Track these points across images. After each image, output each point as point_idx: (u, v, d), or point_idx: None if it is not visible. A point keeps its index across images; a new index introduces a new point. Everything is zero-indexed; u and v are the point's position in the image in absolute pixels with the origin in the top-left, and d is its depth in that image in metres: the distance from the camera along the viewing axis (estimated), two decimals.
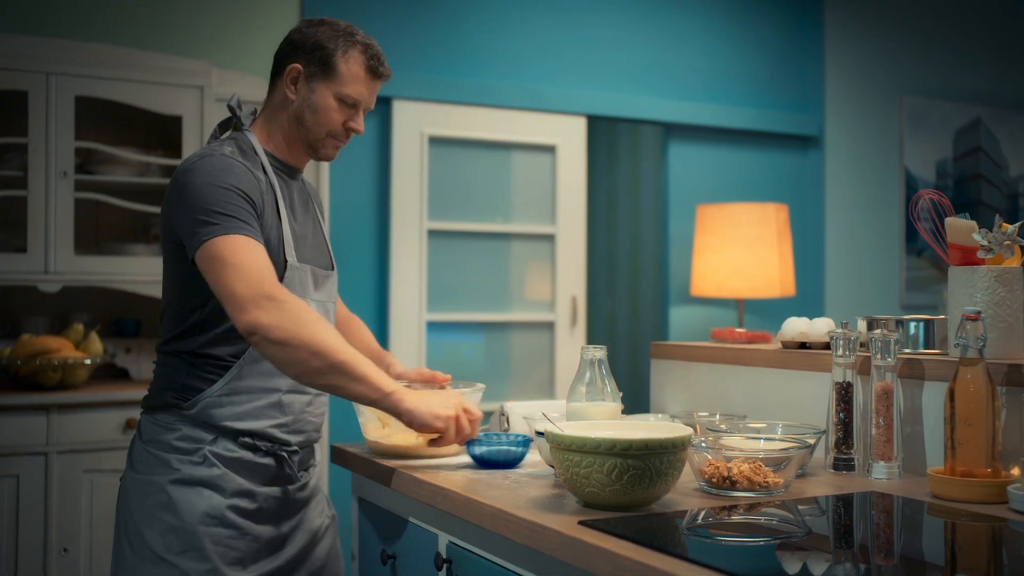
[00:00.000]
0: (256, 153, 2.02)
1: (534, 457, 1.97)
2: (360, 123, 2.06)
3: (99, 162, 3.62)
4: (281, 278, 1.96)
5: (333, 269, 2.17)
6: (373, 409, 1.97)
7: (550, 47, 4.66)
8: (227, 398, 1.94)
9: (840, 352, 1.84)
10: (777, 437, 1.75)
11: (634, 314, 5.69)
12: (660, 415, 2.22)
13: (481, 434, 1.88)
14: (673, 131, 4.98)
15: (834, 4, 5.31)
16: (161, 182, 3.64)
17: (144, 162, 3.67)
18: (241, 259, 1.80)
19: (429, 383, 2.13)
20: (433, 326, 4.41)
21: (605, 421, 1.60)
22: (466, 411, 1.83)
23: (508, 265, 4.62)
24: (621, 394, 1.75)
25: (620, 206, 6.04)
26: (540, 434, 1.73)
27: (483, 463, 1.82)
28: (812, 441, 1.73)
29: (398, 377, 2.15)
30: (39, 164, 3.42)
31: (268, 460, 1.99)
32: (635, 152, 6.56)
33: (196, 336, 1.95)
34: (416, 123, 4.36)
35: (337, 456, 2.14)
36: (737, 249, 4.54)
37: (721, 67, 5.05)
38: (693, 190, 4.99)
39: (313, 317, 1.79)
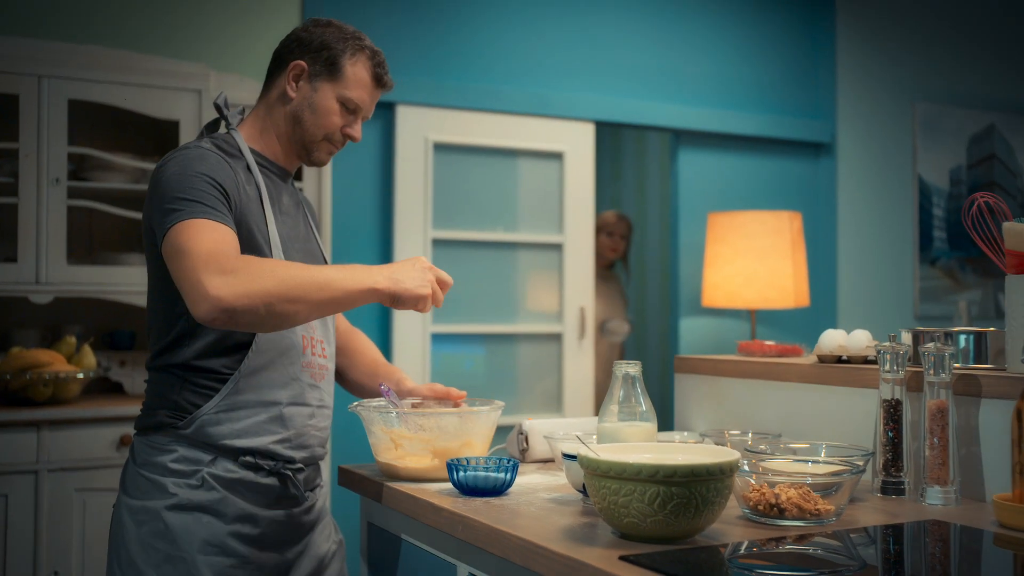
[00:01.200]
0: (241, 153, 1.91)
1: (546, 480, 1.83)
2: (358, 131, 1.97)
3: (93, 168, 3.49)
4: None
5: None
6: (385, 429, 1.84)
7: (557, 51, 4.54)
8: (225, 414, 1.81)
9: (888, 367, 1.71)
10: (824, 459, 1.62)
11: (643, 326, 5.57)
12: (686, 433, 2.09)
13: (465, 459, 1.74)
14: (683, 138, 4.85)
15: (846, 9, 5.20)
16: None
17: (139, 168, 3.53)
18: (196, 245, 1.67)
19: (443, 400, 2.00)
20: (437, 338, 4.28)
21: (642, 443, 1.47)
22: (438, 279, 1.82)
23: (514, 275, 4.49)
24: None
25: (629, 214, 5.92)
26: (570, 457, 1.59)
27: (466, 490, 1.68)
28: (861, 463, 1.59)
29: (409, 393, 2.02)
30: (30, 170, 3.29)
31: (271, 480, 1.86)
32: (644, 159, 6.45)
33: (186, 347, 1.82)
34: (420, 129, 4.23)
35: (345, 478, 2.01)
36: (750, 259, 4.42)
37: (731, 73, 4.93)
38: (703, 197, 4.86)
39: (269, 265, 1.69)
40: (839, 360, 1.97)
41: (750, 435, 2.00)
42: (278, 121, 1.94)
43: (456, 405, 1.98)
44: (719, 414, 2.22)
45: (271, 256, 1.85)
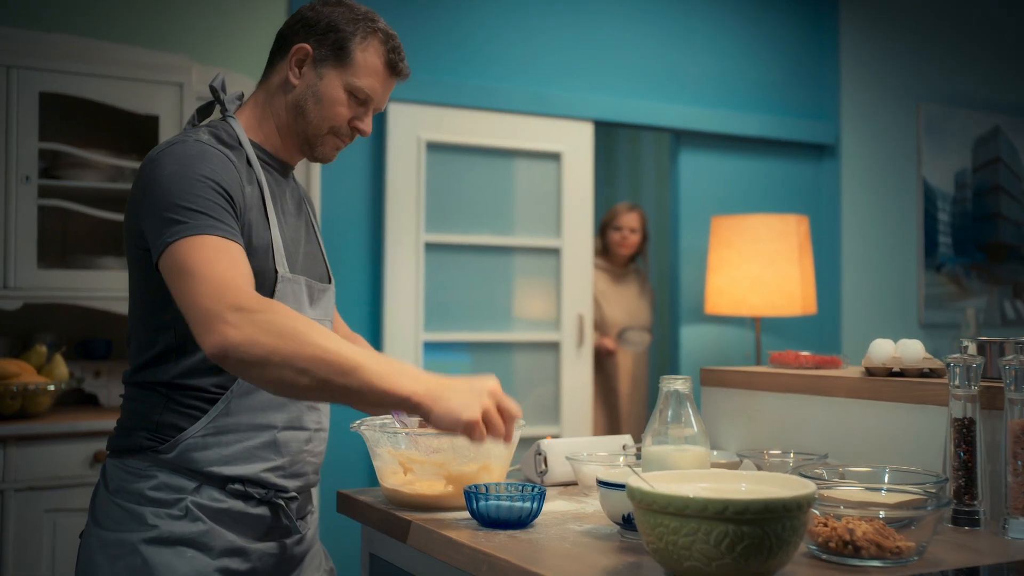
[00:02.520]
0: (240, 144, 1.70)
1: (572, 507, 1.64)
2: (368, 124, 1.76)
3: (66, 166, 3.26)
4: (271, 292, 1.64)
5: (330, 282, 1.85)
6: (393, 452, 1.64)
7: (555, 48, 4.35)
8: (212, 438, 1.61)
9: (958, 382, 1.52)
10: (894, 487, 1.42)
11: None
12: (715, 453, 1.89)
13: (484, 487, 1.54)
14: (683, 138, 4.67)
15: (850, 9, 5.04)
16: None
17: (116, 166, 3.32)
18: (208, 268, 1.47)
19: None
20: (430, 347, 4.08)
21: (696, 471, 1.27)
22: (500, 407, 1.47)
23: (510, 281, 4.30)
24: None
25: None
26: (609, 485, 1.39)
27: (487, 522, 1.48)
28: (935, 490, 1.40)
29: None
30: None
31: (262, 510, 1.66)
32: (644, 160, 6.26)
33: (171, 363, 1.61)
34: (413, 127, 4.04)
35: (345, 505, 1.80)
36: (756, 264, 4.24)
37: (733, 72, 4.76)
38: (704, 200, 4.69)
39: (294, 321, 1.44)
40: (892, 373, 1.78)
41: (792, 456, 1.81)
42: (279, 111, 1.73)
43: None
44: (752, 431, 2.02)
45: (273, 265, 1.65)
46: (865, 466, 1.54)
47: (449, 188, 4.14)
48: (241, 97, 1.79)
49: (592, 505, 1.65)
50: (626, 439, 1.93)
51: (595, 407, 4.71)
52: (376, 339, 3.95)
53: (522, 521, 1.47)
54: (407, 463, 1.62)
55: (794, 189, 4.90)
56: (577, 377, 4.33)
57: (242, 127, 1.72)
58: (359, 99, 1.72)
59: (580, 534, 1.43)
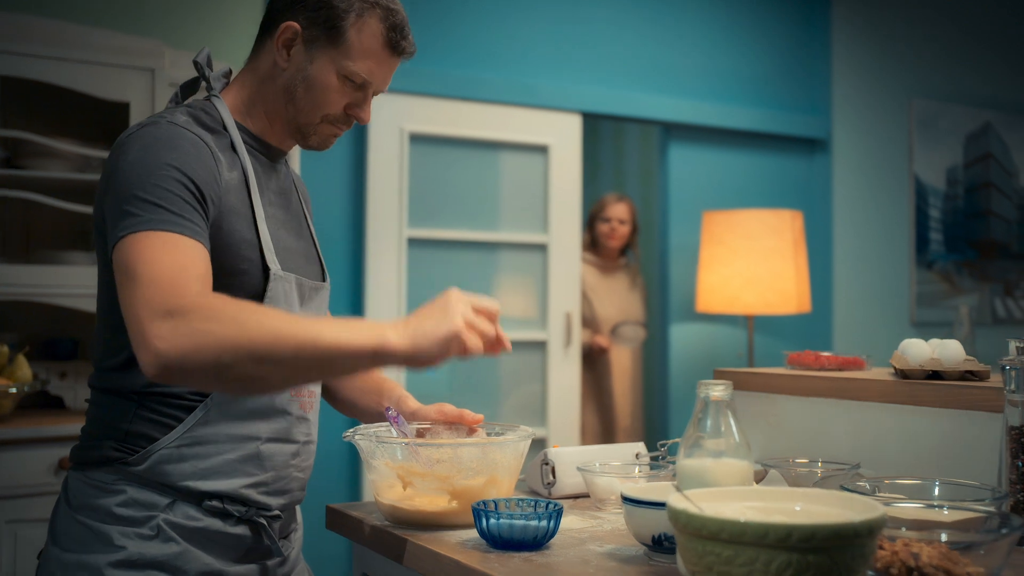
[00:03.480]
0: (224, 128, 1.53)
1: (587, 524, 1.49)
2: (367, 110, 1.58)
3: (30, 155, 3.08)
4: (261, 292, 1.47)
5: (325, 280, 1.69)
6: (390, 464, 1.48)
7: (543, 38, 4.21)
8: (189, 449, 1.45)
9: (1015, 387, 1.38)
10: (953, 504, 1.28)
11: None
12: None
13: (493, 503, 1.38)
14: (673, 132, 4.54)
15: (842, 3, 4.93)
16: None
17: (83, 156, 3.13)
18: (149, 268, 1.29)
19: (454, 426, 1.63)
20: None
21: (740, 488, 1.12)
22: (476, 309, 1.33)
23: (496, 278, 4.14)
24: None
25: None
26: (633, 502, 1.24)
27: (499, 543, 1.32)
28: (993, 508, 1.26)
29: (412, 416, 1.66)
30: None
31: (242, 529, 1.50)
32: (628, 154, 6.12)
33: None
34: (396, 118, 3.87)
35: (335, 521, 1.64)
36: (749, 260, 4.11)
37: (724, 65, 4.63)
38: (694, 195, 4.55)
39: (234, 311, 1.26)
40: (931, 376, 1.64)
41: (820, 465, 1.66)
42: (267, 95, 1.56)
43: (471, 431, 1.62)
44: (773, 438, 1.88)
45: (262, 261, 1.48)
46: (911, 478, 1.39)
47: (433, 181, 3.99)
48: (228, 75, 1.62)
49: (609, 521, 1.51)
50: (639, 447, 1.79)
51: (586, 409, 4.56)
52: None
53: (537, 542, 1.31)
54: (406, 476, 1.46)
55: (785, 184, 4.79)
56: (564, 377, 4.19)
57: (227, 108, 1.56)
58: (355, 83, 1.54)
59: (603, 556, 1.28)
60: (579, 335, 4.23)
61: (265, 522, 1.52)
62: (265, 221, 1.52)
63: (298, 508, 1.67)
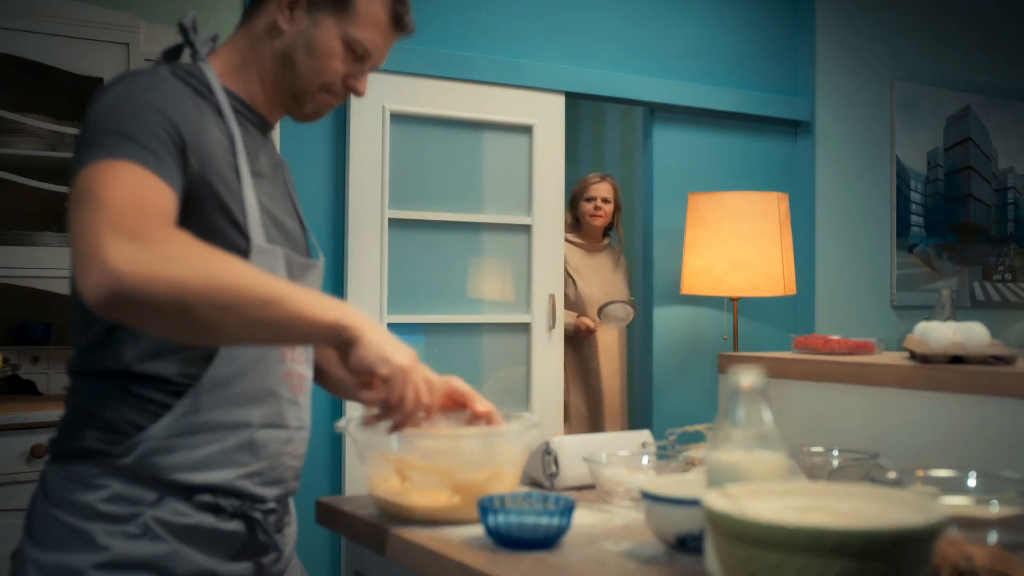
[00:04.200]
0: (211, 91, 1.44)
1: (597, 519, 1.42)
2: (364, 83, 1.53)
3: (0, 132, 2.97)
4: None
5: (318, 258, 1.60)
6: (388, 456, 1.40)
7: (526, 17, 4.12)
8: (179, 439, 1.36)
9: None
10: (997, 497, 1.21)
11: None
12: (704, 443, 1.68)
13: (499, 499, 1.31)
14: (658, 113, 4.46)
15: None
16: None
17: (56, 132, 3.02)
18: (109, 193, 1.20)
19: (453, 412, 1.54)
20: (395, 328, 3.83)
21: (780, 485, 1.05)
22: (427, 380, 1.34)
23: (479, 259, 4.06)
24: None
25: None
26: (655, 499, 1.17)
27: (507, 541, 1.24)
28: None
29: None
30: None
31: (235, 525, 1.42)
32: (609, 136, 6.05)
33: (126, 344, 1.35)
34: (377, 96, 3.77)
35: (326, 516, 1.57)
36: (736, 243, 4.05)
37: (708, 46, 4.56)
38: (678, 177, 4.49)
39: (202, 249, 1.20)
40: (954, 360, 1.58)
41: (837, 454, 1.60)
42: (263, 58, 1.48)
43: (473, 419, 1.53)
44: (781, 425, 1.81)
45: (247, 232, 1.40)
46: (944, 470, 1.33)
47: (415, 162, 3.90)
48: (215, 39, 1.53)
49: (620, 516, 1.44)
50: (644, 436, 1.72)
51: (574, 392, 4.50)
52: None
53: (549, 540, 1.24)
54: (403, 470, 1.38)
55: (769, 167, 4.73)
56: (548, 360, 4.12)
57: (215, 73, 1.47)
58: (356, 53, 1.49)
59: (620, 557, 1.21)
60: (562, 317, 4.16)
61: (259, 516, 1.44)
62: (252, 190, 1.43)
63: (291, 501, 1.59)
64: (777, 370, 1.83)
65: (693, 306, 4.50)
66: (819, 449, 1.64)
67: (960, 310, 5.24)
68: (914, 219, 5.15)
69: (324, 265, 1.58)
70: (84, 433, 1.38)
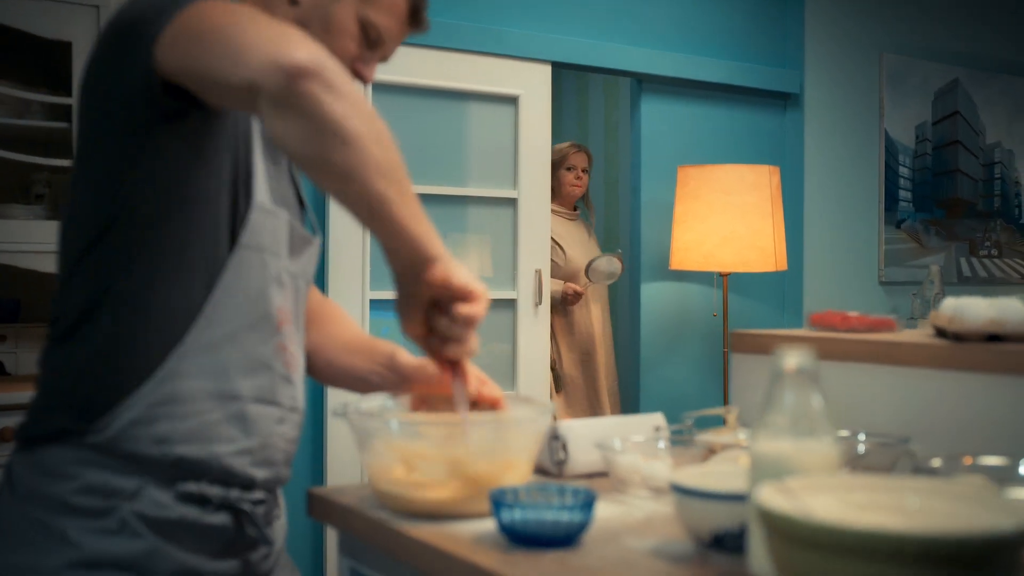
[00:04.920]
0: None
1: (616, 512, 1.31)
2: (372, 71, 1.43)
3: None
4: (239, 225, 1.30)
5: (316, 236, 1.49)
6: (392, 445, 1.28)
7: None
8: (161, 408, 1.25)
9: None
10: None
11: (612, 290, 5.04)
12: (745, 428, 1.58)
13: (512, 491, 1.20)
14: (645, 84, 4.35)
15: None
16: (46, 125, 2.85)
17: (23, 100, 2.88)
18: (254, 25, 1.15)
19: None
20: (377, 304, 3.71)
21: (833, 479, 0.95)
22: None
23: (463, 234, 3.94)
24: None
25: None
26: (689, 492, 1.07)
27: (523, 538, 1.14)
28: None
29: (416, 371, 1.47)
30: None
31: (221, 518, 1.31)
32: (592, 107, 5.93)
33: (124, 280, 1.25)
34: None
35: (319, 508, 1.45)
36: (727, 217, 3.95)
37: (697, 16, 4.45)
38: (666, 149, 4.39)
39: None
40: (991, 339, 1.48)
41: (864, 439, 1.50)
42: None
43: (478, 403, 1.42)
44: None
45: (251, 187, 1.30)
46: (993, 457, 1.23)
47: (397, 133, 3.73)
48: None
49: (638, 507, 1.34)
50: (657, 419, 1.61)
51: (567, 361, 4.41)
52: None
53: (569, 538, 1.14)
54: (410, 458, 1.26)
55: (757, 140, 4.64)
56: (534, 337, 4.01)
57: None
58: (370, 38, 1.39)
59: (648, 556, 1.11)
60: (549, 289, 4.06)
61: (248, 508, 1.33)
62: (262, 162, 1.32)
63: (280, 492, 1.47)
64: None
65: (681, 282, 4.40)
66: (844, 433, 1.54)
67: (947, 286, 5.19)
68: (902, 194, 5.07)
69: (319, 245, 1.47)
70: (56, 414, 1.26)
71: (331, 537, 3.46)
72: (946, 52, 5.25)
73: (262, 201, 1.31)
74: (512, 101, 3.99)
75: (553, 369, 4.33)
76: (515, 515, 1.12)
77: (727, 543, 1.05)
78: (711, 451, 1.46)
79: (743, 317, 4.46)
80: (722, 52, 4.52)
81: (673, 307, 4.40)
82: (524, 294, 3.99)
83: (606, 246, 5.44)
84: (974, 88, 5.34)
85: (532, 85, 4.01)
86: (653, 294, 4.36)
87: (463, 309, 1.25)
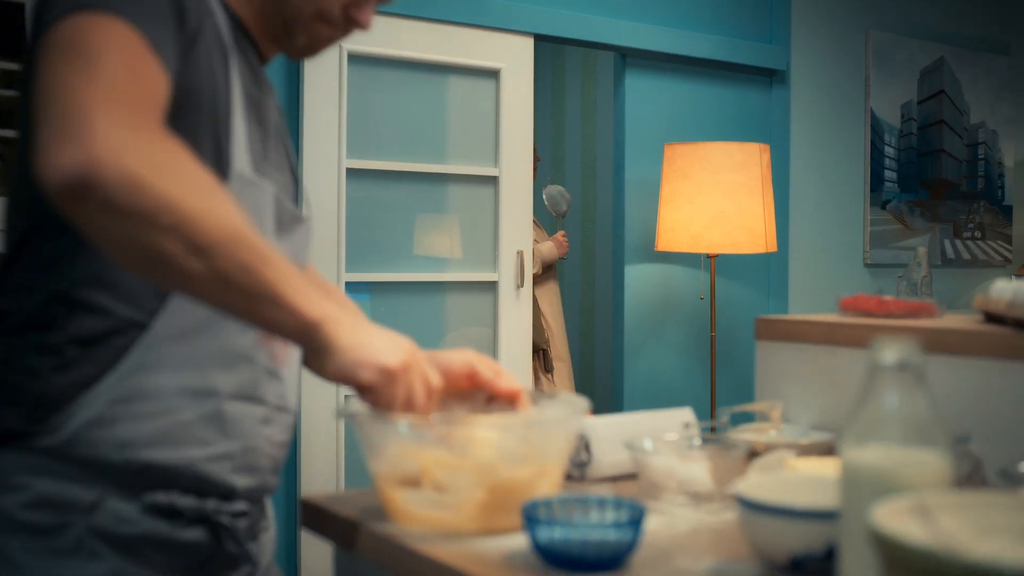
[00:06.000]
0: (210, 10, 1.14)
1: (658, 523, 1.15)
2: (368, 14, 1.25)
3: None
4: None
5: (307, 217, 1.32)
6: (407, 451, 1.11)
7: None
8: (125, 406, 1.07)
9: None
10: None
11: (587, 273, 4.90)
12: (786, 425, 1.43)
13: (544, 503, 1.04)
14: (630, 59, 4.19)
15: None
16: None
17: None
18: (107, 56, 0.95)
19: (467, 394, 1.26)
20: (354, 287, 3.54)
21: (956, 496, 0.79)
22: (422, 374, 1.11)
23: (443, 213, 3.77)
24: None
25: (569, 144, 5.23)
26: (760, 508, 0.91)
27: (562, 560, 0.98)
28: None
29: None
30: None
31: (196, 534, 1.14)
32: (581, 82, 5.76)
33: (64, 264, 1.08)
34: None
35: (316, 521, 1.27)
36: (716, 196, 3.81)
37: None
38: (651, 127, 4.23)
39: (202, 173, 0.96)
40: None
41: None
42: None
43: (493, 400, 1.25)
44: (834, 401, 1.57)
45: (228, 155, 1.11)
46: None
47: (374, 107, 3.58)
48: None
49: (681, 518, 1.18)
50: (686, 414, 1.46)
51: (558, 335, 4.32)
52: None
53: (616, 559, 0.97)
54: (432, 467, 1.09)
55: (742, 117, 4.50)
56: (516, 321, 3.85)
57: None
58: None
59: None
60: (531, 275, 3.90)
61: (226, 520, 1.16)
62: (243, 128, 1.14)
63: (268, 502, 1.30)
64: (830, 336, 1.58)
65: (666, 264, 4.26)
66: None
67: (931, 268, 5.09)
68: (888, 174, 4.96)
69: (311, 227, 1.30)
70: (2, 413, 1.08)
71: (308, 551, 3.27)
72: (932, 30, 5.15)
73: (241, 169, 1.13)
74: (493, 75, 3.82)
75: (543, 350, 4.22)
76: (554, 533, 0.96)
77: (808, 567, 0.90)
78: (753, 452, 1.31)
79: (730, 301, 4.33)
80: (708, 26, 4.37)
81: (658, 290, 4.26)
82: (506, 276, 3.83)
83: (584, 228, 5.29)
84: (959, 66, 5.25)
85: (514, 58, 3.84)
86: (637, 277, 4.22)
87: (368, 400, 1.09)
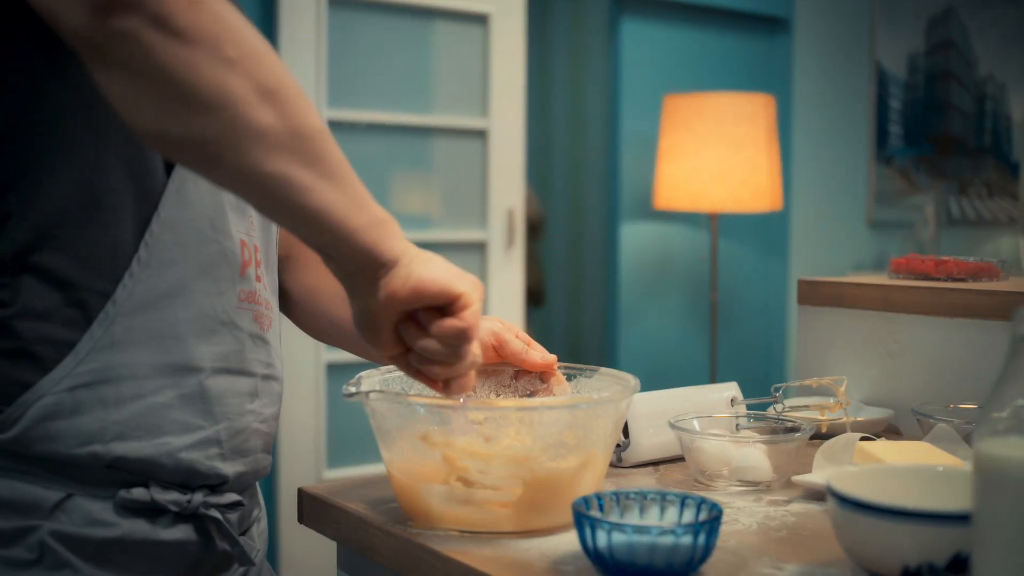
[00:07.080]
0: None
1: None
2: None
3: None
4: (166, 173, 0.92)
5: None
6: (432, 439, 0.92)
7: None
8: (87, 391, 0.89)
9: None
10: None
11: (577, 232, 4.71)
12: (831, 401, 1.26)
13: (597, 499, 0.86)
14: (626, 5, 3.98)
15: None
16: None
17: None
18: None
19: (492, 368, 1.08)
20: None
21: None
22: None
23: (429, 169, 3.57)
24: None
25: (561, 95, 5.02)
26: (866, 508, 0.74)
27: (620, 568, 0.79)
28: None
29: None
30: None
31: (181, 532, 0.96)
32: (569, 30, 5.53)
33: (11, 225, 0.89)
34: None
35: (317, 515, 1.09)
36: (719, 150, 3.61)
37: None
38: (649, 77, 4.03)
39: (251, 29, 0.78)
40: None
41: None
42: None
43: (518, 372, 1.07)
44: (890, 375, 1.40)
45: None
46: None
47: (356, 55, 3.37)
48: None
49: (743, 511, 1.00)
50: (731, 389, 1.28)
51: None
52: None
53: (687, 567, 0.80)
54: (460, 458, 0.90)
55: (745, 67, 4.30)
56: (507, 281, 3.67)
57: None
58: None
59: None
60: (523, 235, 3.72)
61: (217, 513, 0.98)
62: None
63: (258, 487, 1.12)
64: (885, 302, 1.40)
65: (664, 223, 4.08)
66: (971, 405, 1.23)
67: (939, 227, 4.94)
68: (893, 128, 4.78)
69: None
70: None
71: (287, 544, 3.09)
72: None
73: None
74: (482, 20, 3.60)
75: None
76: (614, 538, 0.78)
77: None
78: (824, 435, 1.14)
79: (732, 262, 4.16)
80: None
81: (656, 250, 4.08)
82: (496, 235, 3.64)
83: (572, 184, 5.11)
84: (969, 15, 5.03)
85: (504, 3, 3.63)
86: (634, 236, 4.03)
87: (447, 324, 0.85)
